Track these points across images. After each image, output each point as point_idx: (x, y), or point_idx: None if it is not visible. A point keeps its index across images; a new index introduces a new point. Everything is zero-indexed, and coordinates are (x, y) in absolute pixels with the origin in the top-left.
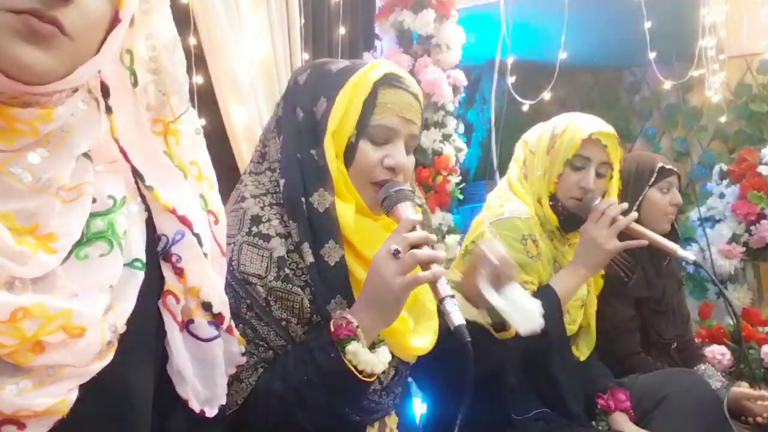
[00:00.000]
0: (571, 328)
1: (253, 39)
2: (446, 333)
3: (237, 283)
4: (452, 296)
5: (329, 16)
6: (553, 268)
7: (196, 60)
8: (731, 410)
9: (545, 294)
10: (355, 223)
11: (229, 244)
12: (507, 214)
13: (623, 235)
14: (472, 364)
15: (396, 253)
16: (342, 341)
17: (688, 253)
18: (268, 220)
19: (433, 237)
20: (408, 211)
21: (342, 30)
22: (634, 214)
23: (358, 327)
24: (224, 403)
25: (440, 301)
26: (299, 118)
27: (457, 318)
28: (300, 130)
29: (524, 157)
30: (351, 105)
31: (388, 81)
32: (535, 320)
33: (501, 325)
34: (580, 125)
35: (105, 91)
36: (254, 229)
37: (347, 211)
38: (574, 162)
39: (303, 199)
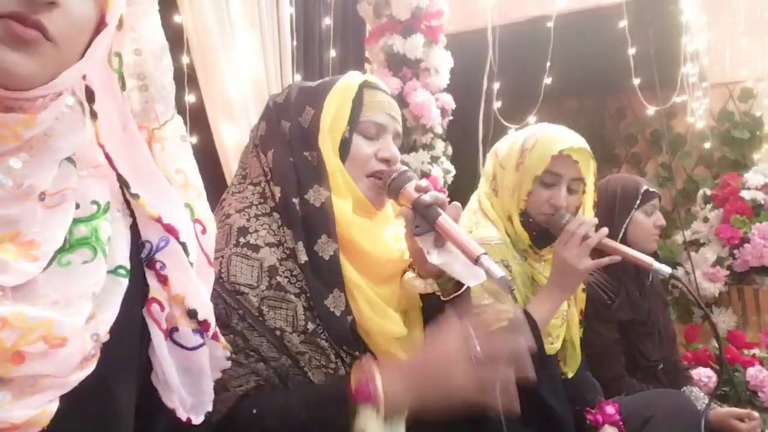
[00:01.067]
0: (553, 347)
1: (246, 59)
2: None
3: (228, 295)
4: (485, 253)
5: (320, 38)
6: (531, 287)
7: (189, 79)
8: (717, 431)
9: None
10: (351, 219)
11: (216, 258)
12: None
13: (598, 252)
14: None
15: None
16: (358, 405)
17: (664, 267)
18: (255, 231)
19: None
20: (412, 189)
21: (333, 53)
22: (604, 230)
23: (381, 394)
24: (210, 409)
25: (476, 260)
26: (286, 129)
27: (498, 271)
28: (289, 139)
29: (494, 171)
30: (340, 104)
31: (369, 85)
32: (479, 273)
33: (449, 290)
34: (550, 141)
35: (90, 95)
36: (242, 240)
37: (344, 207)
38: (544, 179)
39: (296, 200)
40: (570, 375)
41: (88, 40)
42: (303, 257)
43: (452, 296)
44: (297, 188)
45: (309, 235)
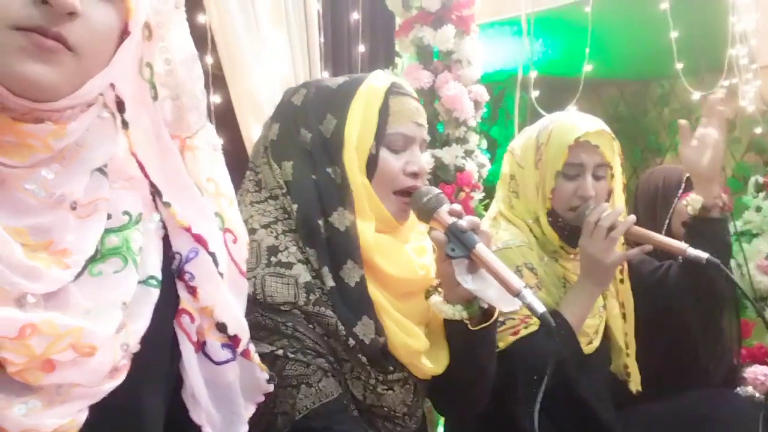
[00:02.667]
0: (591, 346)
1: (273, 57)
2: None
3: (270, 313)
4: (526, 286)
5: (349, 33)
6: (563, 288)
7: (214, 79)
8: None
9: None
10: (375, 241)
11: (249, 279)
12: (497, 247)
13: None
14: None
15: None
16: None
17: (699, 252)
18: (286, 248)
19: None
20: (445, 214)
21: (362, 47)
22: (631, 218)
23: None
24: (245, 431)
25: (517, 294)
26: (306, 139)
27: (539, 306)
28: (310, 152)
29: (512, 172)
30: (366, 116)
31: (395, 90)
32: (515, 300)
33: (480, 318)
34: (564, 131)
35: (120, 105)
36: (273, 259)
37: (367, 229)
38: (566, 172)
39: (321, 221)
40: (634, 377)
41: (113, 49)
42: (330, 282)
43: (480, 327)
44: (320, 208)
45: (334, 259)
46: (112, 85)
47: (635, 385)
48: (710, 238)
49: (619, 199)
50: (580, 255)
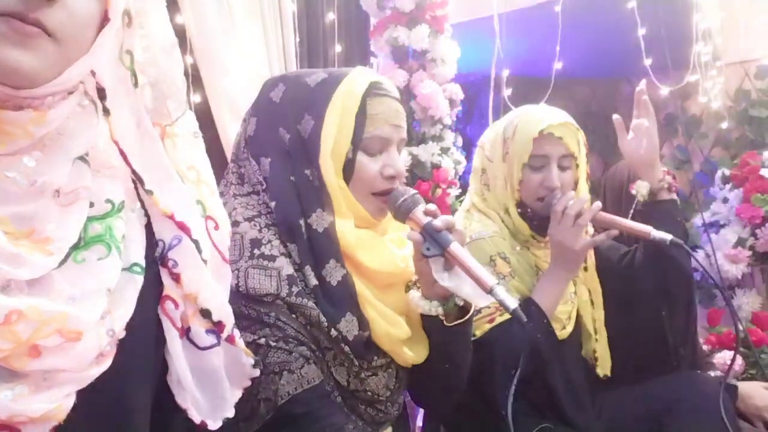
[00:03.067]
0: (564, 332)
1: (249, 57)
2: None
3: (253, 304)
4: (498, 283)
5: (324, 33)
6: (536, 276)
7: (193, 79)
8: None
9: (528, 309)
10: (356, 237)
11: (232, 270)
12: (470, 238)
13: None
14: (529, 341)
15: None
16: None
17: (663, 234)
18: (269, 242)
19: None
20: (421, 214)
21: (338, 47)
22: (597, 205)
23: None
24: (230, 416)
25: (489, 290)
26: (285, 139)
27: (512, 302)
28: (288, 152)
29: (482, 165)
30: (343, 121)
31: (373, 91)
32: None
33: (456, 314)
34: (529, 124)
35: (101, 93)
36: (256, 251)
37: (346, 227)
38: (532, 164)
39: (301, 221)
40: (602, 360)
41: (92, 36)
42: (312, 281)
43: (455, 323)
44: (299, 209)
45: (315, 258)
46: (93, 73)
47: (603, 370)
48: (662, 218)
49: (584, 188)
50: (549, 243)
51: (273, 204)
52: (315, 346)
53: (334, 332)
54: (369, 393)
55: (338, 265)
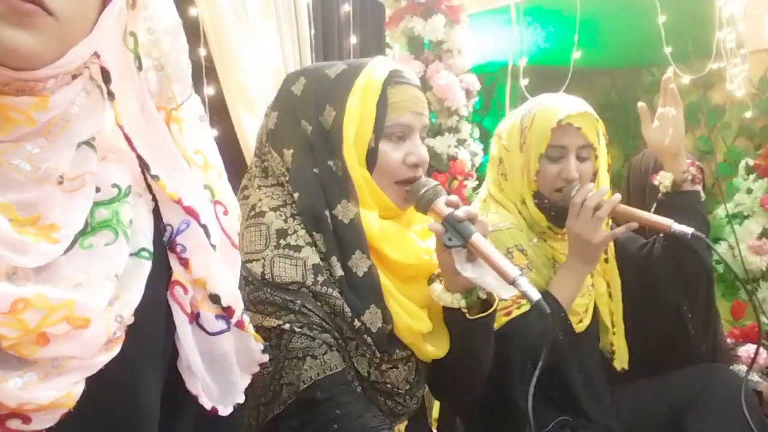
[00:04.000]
0: (582, 325)
1: (264, 50)
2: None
3: (278, 292)
4: (521, 274)
5: (339, 25)
6: (553, 268)
7: (207, 72)
8: None
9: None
10: (381, 229)
11: (258, 260)
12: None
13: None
14: (550, 334)
15: None
16: None
17: (684, 227)
18: (294, 232)
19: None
20: (442, 205)
21: (353, 39)
22: (617, 197)
23: None
24: (241, 402)
25: (512, 281)
26: (307, 131)
27: (534, 293)
28: (311, 144)
29: (499, 155)
30: (364, 110)
31: (394, 79)
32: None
33: (479, 308)
34: (547, 114)
35: (105, 76)
36: (282, 241)
37: (371, 218)
38: (549, 154)
39: (326, 212)
40: (620, 354)
41: (94, 16)
42: (338, 271)
43: (478, 316)
44: (324, 200)
45: (342, 249)
46: (97, 56)
47: (620, 363)
48: (685, 210)
49: (604, 179)
50: (567, 235)
51: (296, 195)
52: (338, 334)
53: (357, 323)
54: (389, 385)
55: (364, 256)
